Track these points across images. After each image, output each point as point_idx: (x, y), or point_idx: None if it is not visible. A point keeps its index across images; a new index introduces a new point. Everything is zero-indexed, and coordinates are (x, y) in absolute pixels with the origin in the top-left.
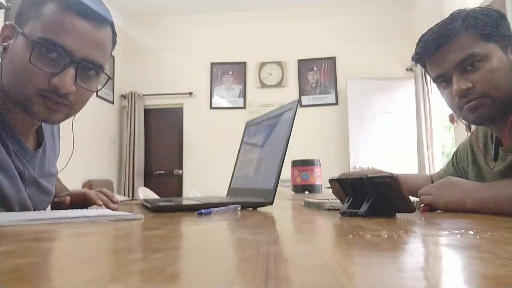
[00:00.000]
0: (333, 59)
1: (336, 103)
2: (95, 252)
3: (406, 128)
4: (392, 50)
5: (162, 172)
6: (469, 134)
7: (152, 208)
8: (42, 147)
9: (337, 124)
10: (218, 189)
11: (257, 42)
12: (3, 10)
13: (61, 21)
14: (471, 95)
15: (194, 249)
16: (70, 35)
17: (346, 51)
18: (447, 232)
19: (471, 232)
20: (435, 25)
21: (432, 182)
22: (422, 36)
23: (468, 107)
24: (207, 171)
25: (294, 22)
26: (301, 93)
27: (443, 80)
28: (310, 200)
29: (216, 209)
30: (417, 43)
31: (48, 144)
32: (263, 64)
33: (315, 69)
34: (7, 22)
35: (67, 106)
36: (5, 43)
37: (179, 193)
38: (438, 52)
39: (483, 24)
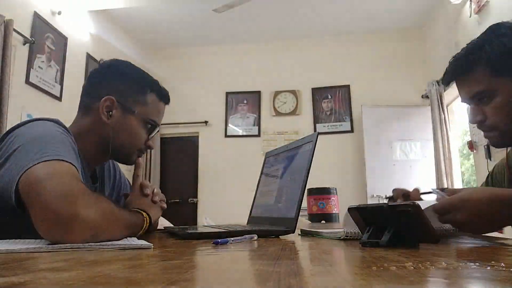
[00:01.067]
0: (347, 87)
1: (352, 131)
2: (111, 284)
3: (424, 156)
4: (407, 78)
5: (177, 200)
6: (490, 160)
7: (181, 236)
8: (98, 184)
9: (353, 151)
10: (233, 217)
11: (271, 71)
12: (27, 45)
13: (159, 108)
14: (482, 127)
15: (211, 282)
16: (160, 116)
17: (360, 79)
18: (477, 263)
19: (503, 264)
20: (464, 47)
21: None
22: (452, 58)
23: (483, 134)
24: (222, 199)
25: (308, 51)
26: (316, 121)
27: (467, 104)
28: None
29: (232, 239)
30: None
31: (107, 184)
32: (277, 93)
33: (329, 97)
34: (111, 97)
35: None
36: (111, 112)
37: (194, 221)
38: (456, 81)
39: (496, 58)
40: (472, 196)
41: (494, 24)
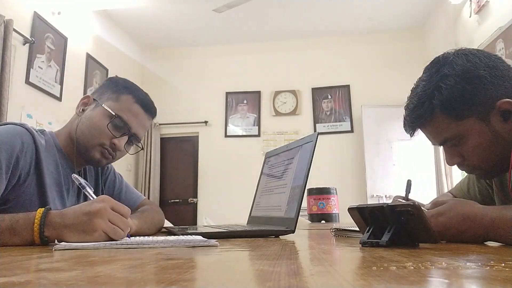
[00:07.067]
0: (347, 87)
1: (352, 131)
2: (111, 284)
3: (424, 156)
4: (407, 78)
5: (177, 200)
6: None
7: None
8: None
9: (353, 151)
10: (233, 217)
11: (271, 71)
12: (27, 45)
13: (131, 108)
14: (462, 167)
15: (211, 282)
16: (132, 116)
17: (360, 79)
18: (476, 264)
19: (502, 264)
20: (415, 91)
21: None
22: (405, 109)
23: (465, 171)
24: (221, 199)
25: (308, 51)
26: (316, 121)
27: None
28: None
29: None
30: (403, 115)
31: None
32: (277, 93)
33: (329, 97)
34: (89, 94)
35: (112, 158)
36: (85, 107)
37: (194, 222)
38: (420, 129)
39: (450, 104)
40: (451, 208)
41: (437, 59)
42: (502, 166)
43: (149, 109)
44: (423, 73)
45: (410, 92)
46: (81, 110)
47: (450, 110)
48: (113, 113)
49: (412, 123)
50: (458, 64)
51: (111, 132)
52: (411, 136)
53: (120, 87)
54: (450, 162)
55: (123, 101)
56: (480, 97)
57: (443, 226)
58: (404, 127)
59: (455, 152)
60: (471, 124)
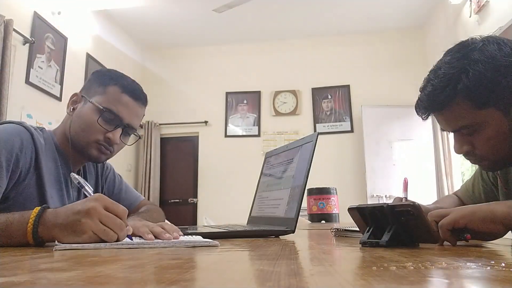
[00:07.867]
0: (347, 87)
1: (352, 131)
2: (111, 284)
3: (424, 156)
4: (407, 78)
5: (177, 200)
6: None
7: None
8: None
9: (353, 152)
10: (233, 217)
11: (271, 71)
12: (27, 45)
13: (120, 98)
14: (470, 156)
15: (211, 282)
16: (122, 107)
17: (360, 79)
18: (476, 264)
19: (503, 264)
20: (434, 72)
21: (459, 200)
22: (421, 91)
23: (471, 161)
24: (221, 199)
25: (308, 51)
26: (316, 121)
27: (448, 132)
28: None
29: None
30: (418, 97)
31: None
32: (277, 93)
33: (329, 97)
34: (77, 92)
35: (110, 152)
36: (75, 106)
37: (194, 222)
38: (435, 115)
39: (476, 90)
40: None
41: (464, 43)
42: (509, 159)
43: (138, 96)
44: (444, 55)
45: (428, 73)
46: (71, 110)
47: (474, 97)
48: (101, 107)
49: (429, 106)
50: (489, 51)
51: (103, 126)
52: (423, 119)
53: (106, 78)
54: (459, 150)
55: (110, 92)
56: (506, 87)
57: (471, 212)
58: (417, 109)
59: (467, 140)
60: (491, 114)
